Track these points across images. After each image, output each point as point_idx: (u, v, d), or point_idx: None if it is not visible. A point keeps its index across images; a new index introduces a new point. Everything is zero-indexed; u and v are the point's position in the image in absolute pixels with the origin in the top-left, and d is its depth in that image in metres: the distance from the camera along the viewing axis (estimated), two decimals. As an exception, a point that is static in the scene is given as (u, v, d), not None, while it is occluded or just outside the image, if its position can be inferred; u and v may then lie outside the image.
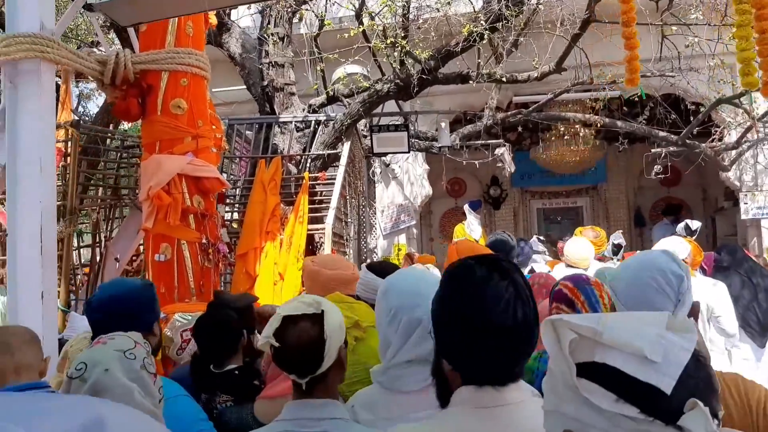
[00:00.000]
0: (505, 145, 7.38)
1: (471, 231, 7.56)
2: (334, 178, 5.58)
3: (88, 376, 1.23)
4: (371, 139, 6.17)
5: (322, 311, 1.34)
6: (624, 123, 8.03)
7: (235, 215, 5.75)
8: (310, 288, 3.11)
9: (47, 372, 1.68)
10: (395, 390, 1.44)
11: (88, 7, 3.94)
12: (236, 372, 2.16)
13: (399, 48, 4.99)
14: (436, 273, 3.11)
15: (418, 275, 1.58)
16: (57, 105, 5.94)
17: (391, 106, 7.33)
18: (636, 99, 7.79)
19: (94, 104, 12.91)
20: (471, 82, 5.36)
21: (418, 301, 1.41)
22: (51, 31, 3.07)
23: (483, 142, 7.30)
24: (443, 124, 6.73)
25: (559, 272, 4.26)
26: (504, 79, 5.52)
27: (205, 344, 2.16)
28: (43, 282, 2.93)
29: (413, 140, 6.66)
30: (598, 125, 7.60)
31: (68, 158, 3.94)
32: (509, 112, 7.63)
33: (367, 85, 5.52)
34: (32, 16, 3.03)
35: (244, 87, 6.60)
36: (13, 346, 1.54)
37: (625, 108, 9.17)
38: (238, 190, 5.80)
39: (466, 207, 7.72)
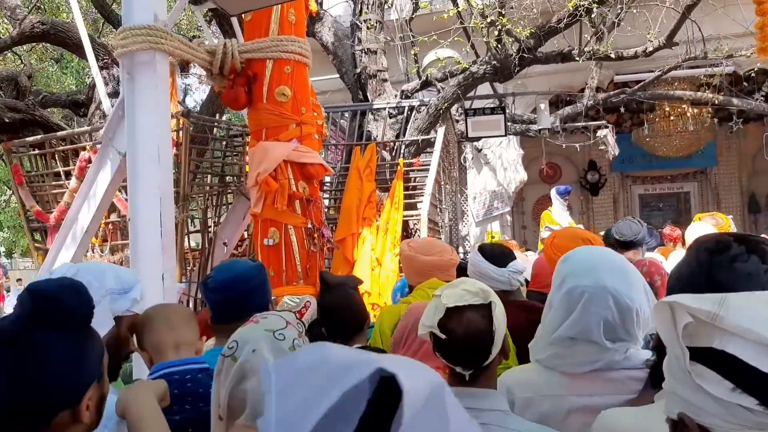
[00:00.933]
0: (607, 127, 6.99)
1: (559, 218, 7.21)
2: (428, 164, 5.51)
3: (239, 355, 1.23)
4: (465, 123, 6.04)
5: (490, 302, 1.28)
6: (740, 101, 7.38)
7: (332, 202, 5.82)
8: (407, 273, 3.06)
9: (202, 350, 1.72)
10: (557, 370, 1.37)
11: (198, 1, 4.09)
12: None
13: (498, 26, 4.81)
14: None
15: (603, 252, 1.50)
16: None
17: (484, 89, 7.13)
18: (752, 74, 7.14)
19: (191, 99, 13.57)
20: (577, 59, 5.09)
21: (590, 272, 1.33)
22: (164, 23, 3.18)
23: (584, 123, 6.94)
24: (542, 106, 6.46)
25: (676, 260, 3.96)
26: (612, 56, 5.19)
27: (333, 324, 2.15)
28: (163, 264, 3.07)
29: (508, 124, 6.44)
30: (713, 103, 7.02)
31: (180, 147, 4.11)
32: (612, 92, 7.21)
33: (465, 66, 5.38)
34: (146, 9, 3.14)
35: (337, 76, 6.65)
36: (174, 323, 1.59)
37: (743, 84, 8.42)
38: (334, 177, 5.87)
39: (552, 192, 7.37)
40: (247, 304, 1.82)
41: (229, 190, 5.04)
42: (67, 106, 6.13)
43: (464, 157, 8.21)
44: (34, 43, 6.31)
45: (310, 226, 3.70)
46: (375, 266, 5.26)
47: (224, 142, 4.97)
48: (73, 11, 3.81)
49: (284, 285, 3.44)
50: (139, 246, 3.11)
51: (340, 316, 2.16)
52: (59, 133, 4.71)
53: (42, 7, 6.64)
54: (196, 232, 5.16)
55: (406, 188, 5.43)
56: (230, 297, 1.89)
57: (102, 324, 1.48)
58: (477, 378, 1.26)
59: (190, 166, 4.40)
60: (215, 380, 1.28)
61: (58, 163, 4.63)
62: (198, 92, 16.01)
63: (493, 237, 8.79)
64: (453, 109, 6.38)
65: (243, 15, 3.64)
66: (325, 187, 5.68)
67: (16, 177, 4.79)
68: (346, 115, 6.39)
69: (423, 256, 2.74)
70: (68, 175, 4.58)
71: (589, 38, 5.56)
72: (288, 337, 1.28)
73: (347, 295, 2.21)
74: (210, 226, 4.80)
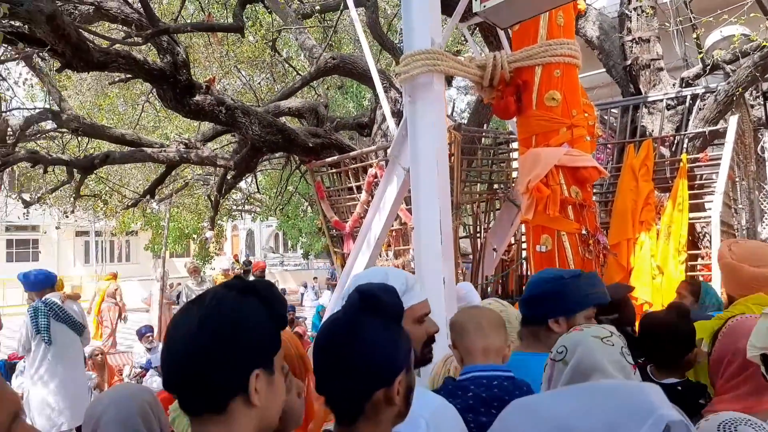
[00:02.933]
0: None
1: None
2: (718, 159, 4.85)
3: (569, 359, 1.29)
4: (765, 108, 5.15)
5: None
6: None
7: (603, 205, 5.52)
8: (727, 283, 2.68)
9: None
10: None
11: (464, 18, 4.30)
12: (679, 387, 1.96)
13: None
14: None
15: None
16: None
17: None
18: None
19: (452, 108, 14.20)
20: None
21: None
22: (439, 45, 3.43)
23: None
24: None
25: None
26: None
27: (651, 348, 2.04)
28: (443, 268, 3.31)
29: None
30: None
31: (452, 158, 4.37)
32: None
33: (763, 44, 4.61)
34: (424, 35, 3.41)
35: (602, 71, 6.30)
36: (485, 329, 1.71)
37: None
38: (603, 178, 5.56)
39: None
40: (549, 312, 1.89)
41: (497, 197, 5.17)
42: (353, 128, 7.02)
43: (762, 146, 7.00)
44: (325, 76, 7.38)
45: (584, 232, 3.58)
46: (656, 275, 4.83)
47: (491, 151, 5.12)
48: (362, 45, 4.34)
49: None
50: (423, 252, 3.39)
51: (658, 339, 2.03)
52: (351, 153, 5.41)
53: (332, 44, 7.73)
54: (466, 237, 5.41)
55: (690, 187, 4.87)
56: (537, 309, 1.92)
57: None
58: None
59: (461, 176, 4.65)
60: (542, 386, 1.35)
61: (350, 179, 5.34)
62: (458, 102, 16.77)
63: (804, 240, 7.31)
64: (746, 94, 5.51)
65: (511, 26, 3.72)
66: (594, 190, 5.43)
67: (319, 192, 5.66)
68: (614, 111, 6.01)
69: (749, 267, 2.38)
70: (359, 189, 5.24)
71: None
72: (616, 344, 1.31)
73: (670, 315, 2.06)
74: (480, 232, 4.99)
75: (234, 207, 17.96)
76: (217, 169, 7.17)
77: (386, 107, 4.28)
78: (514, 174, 5.09)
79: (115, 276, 11.05)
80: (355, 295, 1.26)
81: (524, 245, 4.81)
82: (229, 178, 6.53)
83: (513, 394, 1.55)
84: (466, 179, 4.89)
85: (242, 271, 13.97)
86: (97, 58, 4.76)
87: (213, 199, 7.05)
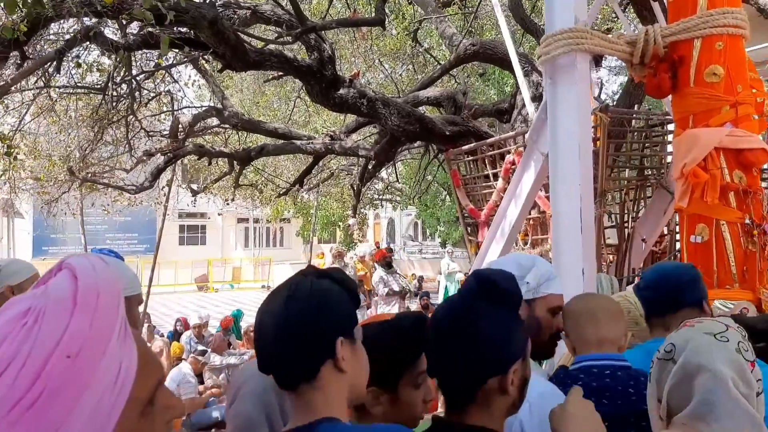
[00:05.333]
0: None
1: None
2: None
3: (677, 357, 1.20)
4: None
5: None
6: None
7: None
8: None
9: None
10: None
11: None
12: None
13: None
14: None
15: None
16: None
17: None
18: None
19: (604, 93, 13.37)
20: None
21: None
22: (584, 23, 3.25)
23: None
24: None
25: None
26: None
27: None
28: (583, 259, 3.16)
29: None
30: None
31: (597, 142, 4.14)
32: None
33: None
34: (567, 12, 3.27)
35: (781, 40, 5.55)
36: (600, 319, 1.65)
37: None
38: (778, 162, 4.92)
39: None
40: (676, 301, 1.83)
41: (648, 184, 4.80)
42: (493, 115, 6.91)
43: None
44: (465, 64, 7.34)
45: (748, 221, 3.21)
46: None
47: (643, 134, 4.76)
48: (501, 28, 4.26)
49: (715, 287, 3.09)
50: (561, 241, 3.27)
51: None
52: (488, 140, 5.35)
53: (472, 30, 7.66)
54: (612, 227, 5.10)
55: None
56: (659, 293, 1.88)
57: None
58: None
59: (608, 161, 4.38)
60: (649, 385, 1.27)
61: (487, 166, 5.27)
62: (610, 84, 15.74)
63: None
64: None
65: (666, -3, 3.42)
66: (764, 176, 4.83)
67: (455, 180, 5.67)
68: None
69: None
70: (495, 176, 5.16)
71: None
72: (732, 339, 1.20)
73: None
74: (627, 222, 4.68)
75: (376, 196, 18.57)
76: (360, 159, 7.47)
77: (525, 91, 4.16)
78: (669, 158, 4.69)
79: (322, 254, 11.98)
80: (473, 280, 1.26)
81: (678, 236, 4.42)
82: (370, 167, 6.78)
83: (627, 384, 1.46)
84: (613, 164, 4.60)
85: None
86: (253, 58, 5.19)
87: (355, 187, 7.36)
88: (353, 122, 6.75)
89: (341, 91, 5.35)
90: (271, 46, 5.27)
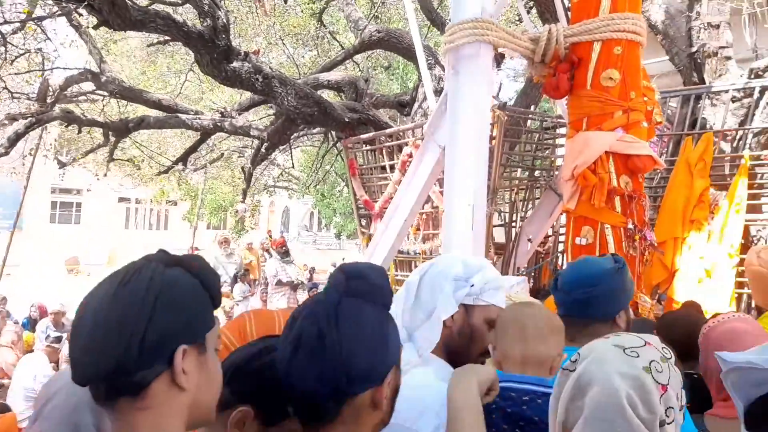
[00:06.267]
0: None
1: None
2: (785, 158, 4.44)
3: (577, 367, 1.06)
4: None
5: None
6: None
7: (651, 200, 5.16)
8: (755, 292, 2.48)
9: None
10: None
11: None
12: (696, 376, 1.87)
13: None
14: None
15: None
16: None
17: None
18: None
19: (503, 94, 13.82)
20: None
21: None
22: (490, 14, 3.17)
23: None
24: None
25: None
26: None
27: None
28: (472, 255, 3.08)
29: None
30: None
31: (493, 140, 4.11)
32: None
33: None
34: (474, 2, 3.17)
35: (665, 59, 5.88)
36: (528, 334, 1.46)
37: None
38: (655, 171, 5.20)
39: None
40: (591, 311, 1.70)
41: (538, 185, 4.88)
42: (394, 107, 6.80)
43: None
44: (370, 51, 7.18)
45: (630, 226, 3.29)
46: (702, 278, 4.48)
47: (536, 135, 4.83)
48: (408, 16, 4.10)
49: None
50: (452, 237, 3.18)
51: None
52: (387, 131, 5.20)
53: (379, 17, 7.50)
54: (500, 226, 5.14)
55: (750, 186, 4.48)
56: (576, 301, 1.73)
57: (444, 308, 1.47)
58: None
59: (501, 159, 4.38)
60: (552, 398, 1.13)
61: (384, 157, 5.12)
62: (507, 90, 16.32)
63: None
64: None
65: (568, -3, 3.42)
66: (646, 184, 5.08)
67: (351, 169, 5.47)
68: (671, 102, 5.61)
69: None
70: (392, 168, 5.02)
71: None
72: (643, 356, 1.04)
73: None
74: (515, 221, 4.72)
75: (271, 183, 18.01)
76: (253, 141, 7.06)
77: (428, 84, 4.03)
78: (559, 161, 4.79)
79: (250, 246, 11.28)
80: (340, 274, 1.06)
81: (562, 237, 4.53)
82: (263, 150, 6.42)
83: (546, 414, 1.32)
84: (506, 163, 4.61)
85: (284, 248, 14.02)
86: (135, 16, 4.66)
87: (246, 171, 6.96)
88: (247, 100, 6.35)
89: (235, 64, 4.96)
90: (158, 6, 4.77)
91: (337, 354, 0.97)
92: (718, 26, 5.13)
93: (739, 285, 4.21)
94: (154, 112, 6.83)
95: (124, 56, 11.22)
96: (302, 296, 11.43)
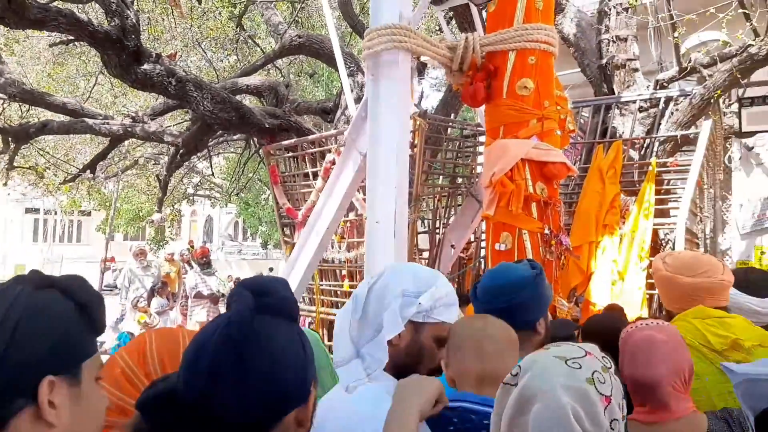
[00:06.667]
0: None
1: None
2: (688, 165, 4.72)
3: (519, 381, 1.02)
4: (739, 115, 5.05)
5: None
6: None
7: (567, 206, 5.34)
8: (664, 297, 2.55)
9: None
10: None
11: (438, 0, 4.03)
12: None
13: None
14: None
15: None
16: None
17: (759, 75, 5.94)
18: None
19: (426, 104, 14.02)
20: None
21: None
22: (408, 21, 3.15)
23: None
24: None
25: None
26: None
27: None
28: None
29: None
30: None
31: (415, 148, 4.10)
32: None
33: (746, 43, 4.49)
34: (392, 9, 3.15)
35: (577, 70, 6.14)
36: (485, 352, 1.42)
37: None
38: (570, 178, 5.39)
39: None
40: (512, 319, 1.62)
41: (459, 192, 4.94)
42: (317, 113, 6.70)
43: (729, 156, 6.98)
44: (293, 56, 7.04)
45: (547, 231, 3.36)
46: (616, 281, 4.67)
47: (457, 143, 4.88)
48: (327, 22, 4.03)
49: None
50: (374, 244, 3.12)
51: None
52: (309, 137, 5.09)
53: (300, 21, 7.38)
54: (425, 232, 5.16)
55: (657, 192, 4.72)
56: (495, 310, 1.67)
57: (390, 327, 1.38)
58: None
59: (423, 167, 4.38)
60: (493, 415, 1.08)
61: (307, 164, 5.02)
62: (430, 99, 16.58)
63: (762, 253, 7.34)
64: (720, 101, 5.42)
65: (487, 5, 3.47)
66: (561, 190, 5.24)
67: (273, 177, 5.32)
68: (584, 112, 5.85)
69: (685, 277, 2.23)
70: (315, 175, 4.92)
71: None
72: (586, 366, 1.01)
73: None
74: (438, 228, 4.75)
75: (193, 191, 17.39)
76: (169, 147, 6.75)
77: (348, 90, 3.99)
78: (479, 169, 4.86)
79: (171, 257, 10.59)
80: (245, 291, 0.98)
81: (484, 243, 4.59)
82: (179, 157, 6.14)
83: None
84: (428, 171, 4.63)
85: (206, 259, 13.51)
86: (34, 14, 4.33)
87: (161, 179, 6.63)
88: (161, 104, 6.05)
89: (146, 67, 4.70)
90: (60, 4, 4.45)
91: (263, 377, 0.89)
92: (625, 39, 5.40)
93: (650, 287, 4.40)
94: (61, 117, 6.39)
95: (29, 57, 10.48)
96: (225, 309, 11.08)
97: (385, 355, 1.39)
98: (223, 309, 8.43)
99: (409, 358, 1.42)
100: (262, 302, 0.95)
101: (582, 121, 6.06)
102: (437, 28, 7.93)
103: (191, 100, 4.83)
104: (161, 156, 8.94)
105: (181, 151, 5.52)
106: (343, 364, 1.44)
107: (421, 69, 7.52)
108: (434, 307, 1.42)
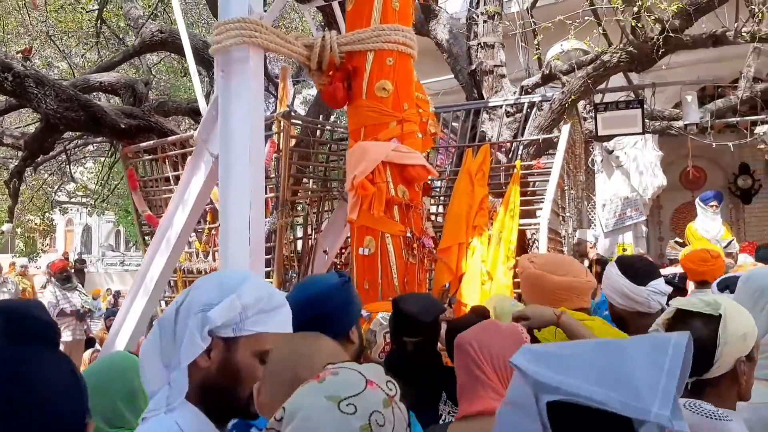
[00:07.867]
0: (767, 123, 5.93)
1: (704, 231, 6.41)
2: (550, 167, 4.92)
3: (282, 430, 0.87)
4: (595, 119, 5.35)
5: (720, 315, 1.33)
6: None
7: (440, 208, 5.40)
8: (529, 295, 2.56)
9: None
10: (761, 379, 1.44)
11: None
12: None
13: (638, 2, 4.14)
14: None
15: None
16: (276, 103, 6.23)
17: (617, 81, 6.37)
18: None
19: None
20: (735, 41, 4.26)
21: None
22: (259, 15, 2.99)
23: (739, 119, 5.93)
24: (689, 98, 5.57)
25: None
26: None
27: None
28: (252, 273, 2.85)
29: (646, 121, 5.65)
30: None
31: (281, 151, 3.93)
32: (775, 82, 6.12)
33: (600, 51, 4.74)
34: (241, 2, 2.98)
35: (451, 76, 6.25)
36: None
37: None
38: (443, 181, 5.45)
39: (697, 201, 6.64)
40: (324, 329, 1.53)
41: (333, 196, 4.81)
42: (187, 114, 6.32)
43: (592, 159, 7.44)
44: (157, 52, 6.60)
45: (409, 234, 3.33)
46: (485, 280, 4.76)
47: (328, 146, 4.75)
48: (174, 12, 3.75)
49: (380, 299, 3.09)
50: (229, 253, 2.93)
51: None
52: (170, 138, 4.76)
53: (158, 14, 6.93)
54: (301, 238, 4.99)
55: (523, 194, 4.87)
56: (304, 321, 1.53)
57: (187, 350, 1.19)
58: (702, 391, 1.30)
59: (293, 170, 4.22)
60: None
61: (168, 167, 4.67)
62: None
63: (624, 250, 7.90)
64: (580, 106, 5.72)
65: (346, 3, 3.37)
66: (433, 193, 5.28)
67: (131, 182, 4.91)
68: (459, 116, 5.98)
69: (554, 276, 2.26)
70: (177, 179, 4.59)
71: (745, 19, 4.68)
72: (361, 409, 0.88)
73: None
74: (310, 233, 4.60)
75: (67, 198, 16.00)
76: (19, 151, 6.06)
77: (196, 81, 3.71)
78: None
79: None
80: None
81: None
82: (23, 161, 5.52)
83: None
84: (300, 174, 4.47)
85: (73, 270, 12.36)
86: None
87: (11, 185, 5.95)
88: (2, 102, 5.41)
89: (-26, 60, 4.15)
90: None
91: (33, 414, 0.79)
92: (492, 46, 5.55)
93: (517, 285, 4.51)
94: None
95: None
96: (97, 325, 10.20)
97: (184, 383, 1.22)
98: (96, 325, 7.73)
99: (225, 379, 1.25)
100: (16, 329, 0.90)
101: (455, 125, 6.18)
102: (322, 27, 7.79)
103: (31, 97, 4.33)
104: (11, 160, 8.08)
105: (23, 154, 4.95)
106: (156, 393, 1.27)
107: (298, 71, 7.35)
108: (246, 315, 1.23)
